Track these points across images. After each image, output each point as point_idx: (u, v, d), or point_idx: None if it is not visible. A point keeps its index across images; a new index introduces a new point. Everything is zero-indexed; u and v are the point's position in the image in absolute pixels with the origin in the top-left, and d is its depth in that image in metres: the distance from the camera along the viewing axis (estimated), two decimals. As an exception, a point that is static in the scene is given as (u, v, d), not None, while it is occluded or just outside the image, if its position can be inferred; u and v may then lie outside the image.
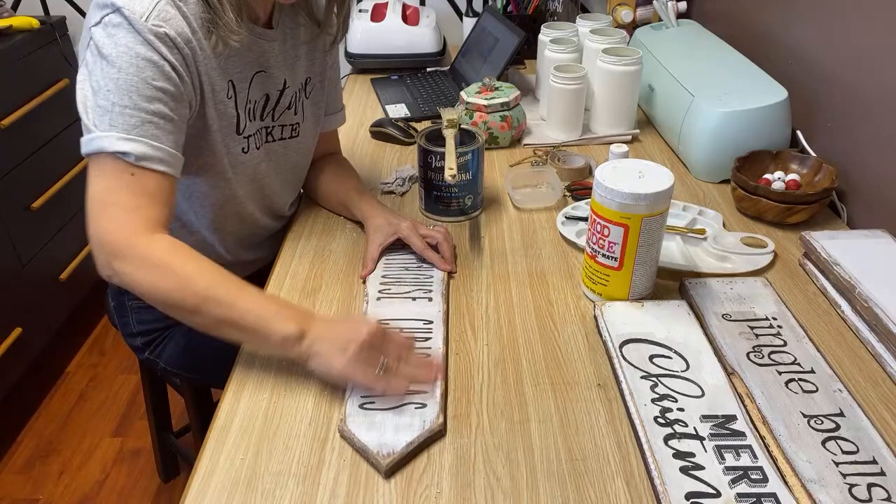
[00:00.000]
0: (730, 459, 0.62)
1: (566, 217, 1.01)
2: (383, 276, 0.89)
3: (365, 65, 1.68)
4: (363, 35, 1.65)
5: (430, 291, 0.86)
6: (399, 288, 0.87)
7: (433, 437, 0.67)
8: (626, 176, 0.77)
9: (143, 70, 0.73)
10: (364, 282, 0.89)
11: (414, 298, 0.85)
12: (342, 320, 0.74)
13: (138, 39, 0.73)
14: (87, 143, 0.74)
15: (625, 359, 0.74)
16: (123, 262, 0.73)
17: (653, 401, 0.68)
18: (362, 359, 0.69)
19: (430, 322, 0.81)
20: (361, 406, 0.69)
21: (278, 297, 0.75)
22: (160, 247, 0.74)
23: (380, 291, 0.86)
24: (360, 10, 1.72)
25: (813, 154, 1.09)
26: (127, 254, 0.73)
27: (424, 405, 0.69)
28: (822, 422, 0.66)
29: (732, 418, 0.66)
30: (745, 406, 0.68)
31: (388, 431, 0.66)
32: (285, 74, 0.93)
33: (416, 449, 0.65)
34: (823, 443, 0.63)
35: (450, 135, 0.97)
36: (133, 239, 0.73)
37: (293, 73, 0.95)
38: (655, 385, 0.70)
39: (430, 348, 0.77)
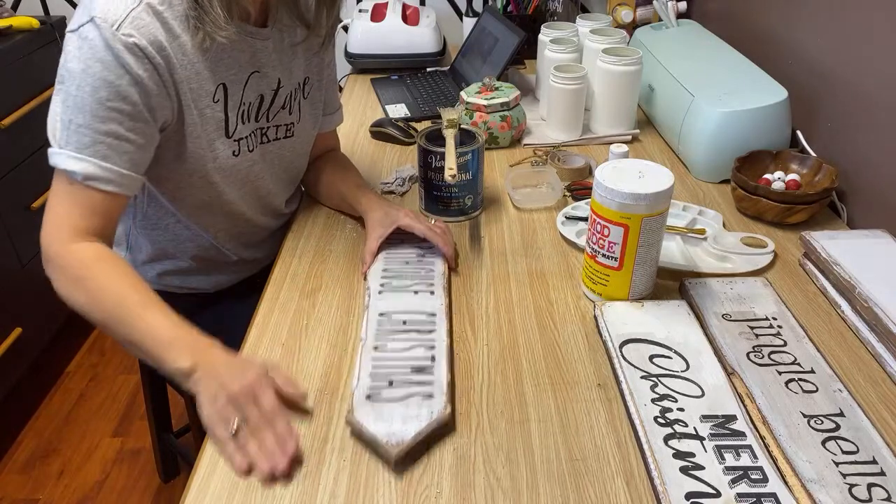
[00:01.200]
0: (730, 459, 0.62)
1: (566, 217, 1.01)
2: (384, 270, 0.89)
3: (365, 65, 1.68)
4: (363, 35, 1.65)
5: (432, 285, 0.86)
6: (400, 282, 0.87)
7: (442, 429, 0.67)
8: (626, 176, 0.77)
9: (98, 90, 0.73)
10: (365, 277, 0.89)
11: (416, 292, 0.85)
12: (230, 365, 0.69)
13: (98, 55, 0.73)
14: (49, 156, 0.76)
15: (625, 359, 0.74)
16: (49, 268, 0.77)
17: (653, 401, 0.68)
18: (225, 412, 0.66)
19: (434, 315, 0.81)
20: (368, 397, 0.69)
21: (183, 322, 0.72)
22: (82, 256, 0.76)
23: (381, 285, 0.86)
24: (359, 10, 1.72)
25: (813, 154, 1.09)
26: (52, 260, 0.76)
27: (431, 395, 0.69)
28: (822, 422, 0.66)
29: (732, 418, 0.66)
30: (745, 406, 0.68)
31: (397, 422, 0.66)
32: (280, 74, 0.92)
33: (425, 440, 0.65)
34: (823, 443, 0.63)
35: (450, 135, 0.97)
36: (58, 247, 0.76)
37: (289, 73, 0.94)
38: (655, 385, 0.70)
39: (434, 340, 0.76)
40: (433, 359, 0.74)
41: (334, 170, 1.07)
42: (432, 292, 0.85)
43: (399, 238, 0.93)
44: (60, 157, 0.75)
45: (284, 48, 0.93)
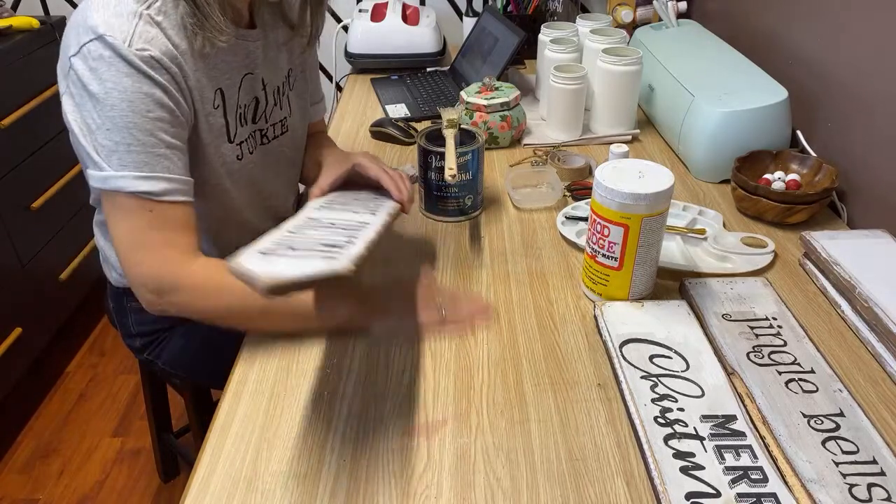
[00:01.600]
0: (730, 459, 0.62)
1: (566, 217, 1.01)
2: (330, 200, 0.82)
3: (365, 65, 1.68)
4: (363, 35, 1.65)
5: (375, 210, 0.79)
6: (342, 205, 0.80)
7: (334, 277, 0.58)
8: (626, 176, 0.77)
9: (136, 104, 0.72)
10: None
11: (356, 212, 0.78)
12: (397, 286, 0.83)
13: (123, 71, 0.71)
14: (102, 181, 0.74)
15: (625, 359, 0.74)
16: (177, 294, 0.75)
17: (653, 401, 0.68)
18: (427, 303, 0.78)
19: (367, 223, 0.73)
20: (261, 253, 0.61)
21: None
22: (205, 270, 0.76)
23: (321, 206, 0.79)
24: (359, 10, 1.72)
25: (813, 154, 1.09)
26: (178, 287, 0.75)
27: (333, 258, 0.61)
28: (822, 422, 0.66)
29: (732, 418, 0.66)
30: (745, 406, 0.68)
31: (284, 267, 0.57)
32: (264, 73, 0.92)
33: (309, 283, 0.57)
34: (823, 443, 0.63)
35: (450, 135, 0.97)
36: (178, 272, 0.75)
37: (275, 70, 0.94)
38: (655, 385, 0.70)
39: (357, 234, 0.69)
40: (351, 240, 0.66)
41: (313, 143, 1.07)
42: (374, 213, 0.78)
43: (354, 186, 0.87)
44: (124, 180, 0.73)
45: (270, 45, 0.93)
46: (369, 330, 0.80)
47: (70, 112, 0.75)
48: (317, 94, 1.08)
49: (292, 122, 0.99)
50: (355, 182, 0.89)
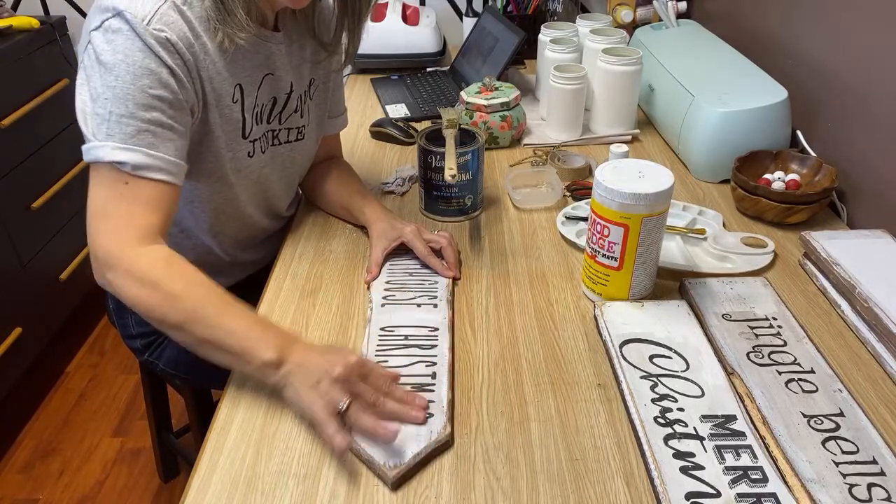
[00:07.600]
0: (730, 459, 0.62)
1: (566, 217, 1.01)
2: (387, 283, 0.88)
3: (365, 65, 1.68)
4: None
5: (435, 298, 0.85)
6: (403, 294, 0.86)
7: (440, 448, 0.66)
8: (626, 176, 0.77)
9: (140, 78, 0.73)
10: (368, 287, 0.88)
11: (419, 305, 0.84)
12: (323, 352, 0.69)
13: (137, 46, 0.72)
14: (87, 152, 0.75)
15: (625, 359, 0.74)
16: (113, 273, 0.74)
17: (653, 401, 0.68)
18: (330, 395, 0.65)
19: (436, 329, 0.80)
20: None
21: (265, 319, 0.74)
22: (151, 260, 0.74)
23: (384, 297, 0.86)
24: (360, 10, 1.72)
25: (813, 154, 1.09)
26: (117, 265, 0.74)
27: (431, 415, 0.68)
28: (822, 422, 0.66)
29: (732, 418, 0.66)
30: (745, 406, 0.68)
31: (395, 442, 0.65)
32: (292, 77, 0.93)
33: (423, 460, 0.64)
34: (823, 443, 0.63)
35: (450, 135, 0.97)
36: (124, 251, 0.74)
37: (300, 77, 0.95)
38: (655, 385, 0.70)
39: (435, 356, 0.76)
40: (434, 376, 0.73)
41: (336, 177, 1.06)
42: (435, 305, 0.84)
43: (404, 247, 0.92)
44: (104, 149, 0.73)
45: (294, 51, 0.93)
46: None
47: (79, 86, 0.75)
48: (338, 108, 1.07)
49: (308, 132, 0.99)
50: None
